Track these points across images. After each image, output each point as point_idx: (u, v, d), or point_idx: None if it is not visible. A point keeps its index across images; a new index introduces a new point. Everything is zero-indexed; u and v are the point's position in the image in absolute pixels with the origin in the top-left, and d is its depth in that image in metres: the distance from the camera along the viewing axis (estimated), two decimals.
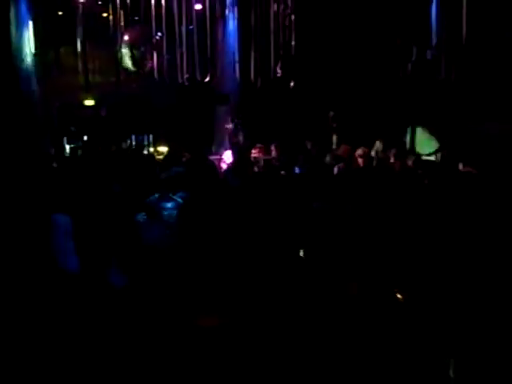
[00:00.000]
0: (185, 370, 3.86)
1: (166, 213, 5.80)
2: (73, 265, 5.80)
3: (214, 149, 13.35)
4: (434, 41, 11.97)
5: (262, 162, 9.94)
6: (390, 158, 9.34)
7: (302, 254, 5.36)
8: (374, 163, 9.14)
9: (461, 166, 8.28)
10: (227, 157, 10.97)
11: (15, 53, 12.50)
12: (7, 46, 12.41)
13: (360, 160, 8.81)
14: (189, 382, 3.79)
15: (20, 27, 12.43)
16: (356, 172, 8.45)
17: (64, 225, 5.98)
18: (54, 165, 11.11)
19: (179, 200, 6.30)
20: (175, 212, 5.81)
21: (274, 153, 10.30)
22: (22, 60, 12.58)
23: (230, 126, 12.38)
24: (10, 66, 12.52)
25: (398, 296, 4.65)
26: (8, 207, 6.69)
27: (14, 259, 5.59)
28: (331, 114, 12.82)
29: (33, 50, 12.70)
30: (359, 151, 8.90)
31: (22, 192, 7.36)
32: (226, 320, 4.20)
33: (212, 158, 11.37)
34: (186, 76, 12.64)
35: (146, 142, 15.47)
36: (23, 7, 12.32)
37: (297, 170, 9.21)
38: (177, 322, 4.22)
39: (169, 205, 5.87)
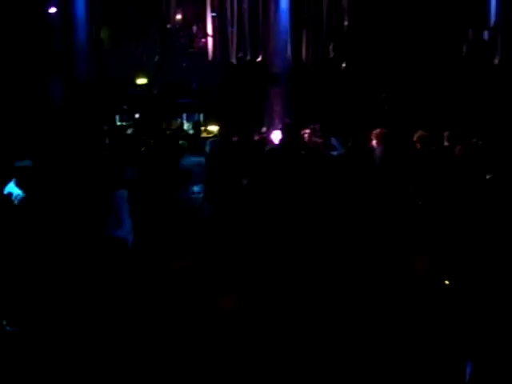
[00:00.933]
0: (203, 351, 3.91)
1: (192, 196, 5.94)
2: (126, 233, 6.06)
3: (264, 129, 13.33)
4: (492, 21, 11.65)
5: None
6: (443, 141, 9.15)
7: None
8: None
9: None
10: (276, 136, 10.94)
11: (71, 31, 12.75)
12: (65, 24, 12.68)
13: (418, 144, 8.62)
14: (207, 363, 3.84)
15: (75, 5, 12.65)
16: (414, 155, 8.32)
17: (122, 198, 6.23)
18: (107, 141, 11.35)
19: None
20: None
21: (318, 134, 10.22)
22: (78, 38, 12.82)
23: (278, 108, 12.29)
24: (66, 44, 12.78)
25: (446, 282, 4.61)
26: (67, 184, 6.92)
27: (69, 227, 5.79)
28: (383, 95, 12.65)
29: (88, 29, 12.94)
30: (417, 134, 8.72)
31: (79, 169, 7.59)
32: (246, 302, 4.23)
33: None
34: (238, 55, 12.60)
35: (196, 120, 15.57)
36: None
37: (334, 153, 9.12)
38: (198, 304, 4.28)
39: (196, 189, 5.98)
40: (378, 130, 8.61)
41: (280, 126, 11.14)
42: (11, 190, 6.41)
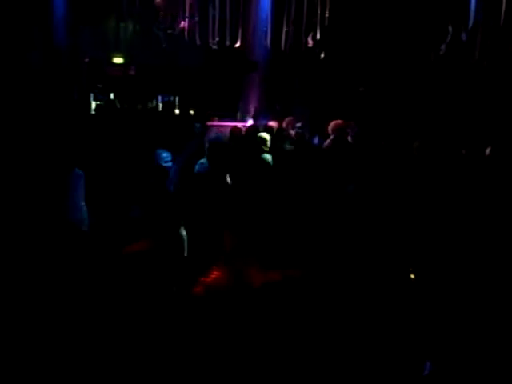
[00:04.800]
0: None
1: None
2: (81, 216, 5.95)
3: (238, 116, 13.31)
4: (471, 22, 11.71)
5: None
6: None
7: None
8: None
9: (488, 151, 8.13)
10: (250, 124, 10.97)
11: (48, 7, 12.59)
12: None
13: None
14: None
15: None
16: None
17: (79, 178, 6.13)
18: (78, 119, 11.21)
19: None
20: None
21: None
22: (55, 13, 12.67)
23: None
24: (43, 17, 12.61)
25: (412, 276, 4.64)
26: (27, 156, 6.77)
27: (26, 208, 5.66)
28: (361, 89, 12.68)
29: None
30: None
31: (43, 142, 7.42)
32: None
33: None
34: (215, 40, 12.52)
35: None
36: None
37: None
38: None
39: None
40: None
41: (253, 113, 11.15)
42: None
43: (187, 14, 12.42)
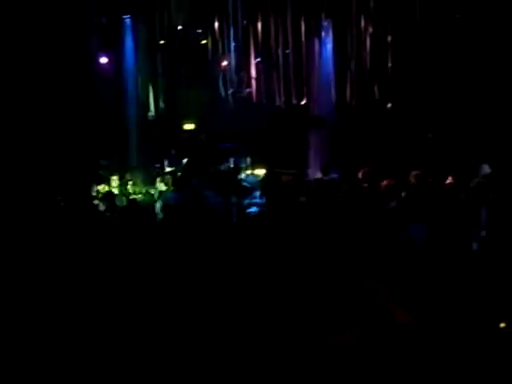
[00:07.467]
0: None
1: None
2: None
3: (309, 172, 13.35)
4: None
5: None
6: None
7: None
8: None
9: None
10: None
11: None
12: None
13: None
14: None
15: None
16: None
17: None
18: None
19: None
20: None
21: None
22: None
23: None
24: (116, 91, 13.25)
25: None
26: None
27: None
28: (429, 135, 12.52)
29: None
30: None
31: None
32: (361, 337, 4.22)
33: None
34: (282, 99, 12.77)
35: (243, 165, 15.65)
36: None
37: None
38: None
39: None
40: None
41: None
42: None
43: (253, 76, 12.75)
